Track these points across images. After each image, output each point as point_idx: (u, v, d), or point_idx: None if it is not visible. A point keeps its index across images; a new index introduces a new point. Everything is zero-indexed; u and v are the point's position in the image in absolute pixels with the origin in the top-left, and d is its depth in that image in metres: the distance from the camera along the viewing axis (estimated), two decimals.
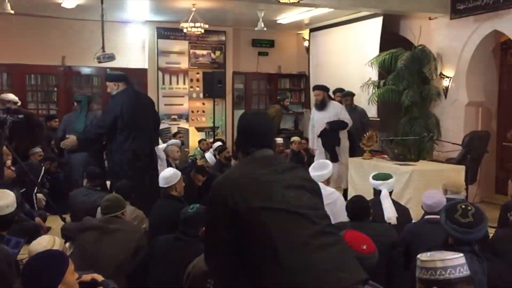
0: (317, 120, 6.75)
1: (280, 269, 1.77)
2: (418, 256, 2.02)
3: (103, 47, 7.56)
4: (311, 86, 10.01)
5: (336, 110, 6.65)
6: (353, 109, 7.20)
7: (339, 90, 7.63)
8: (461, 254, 1.98)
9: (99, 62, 7.59)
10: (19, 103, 6.69)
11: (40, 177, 5.87)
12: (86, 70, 9.12)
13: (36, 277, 1.97)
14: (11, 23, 8.12)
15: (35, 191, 5.79)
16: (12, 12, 6.82)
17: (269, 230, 1.81)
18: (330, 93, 7.11)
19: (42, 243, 2.55)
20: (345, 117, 6.63)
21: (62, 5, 7.44)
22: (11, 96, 6.60)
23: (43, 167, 6.08)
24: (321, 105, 6.69)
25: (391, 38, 7.96)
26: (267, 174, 1.94)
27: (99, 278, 2.31)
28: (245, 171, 1.98)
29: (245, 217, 1.83)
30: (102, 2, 7.13)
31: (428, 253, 2.02)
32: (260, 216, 1.83)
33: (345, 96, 7.38)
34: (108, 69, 8.86)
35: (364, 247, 2.38)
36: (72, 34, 8.78)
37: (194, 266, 2.55)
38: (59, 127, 6.32)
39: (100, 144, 5.35)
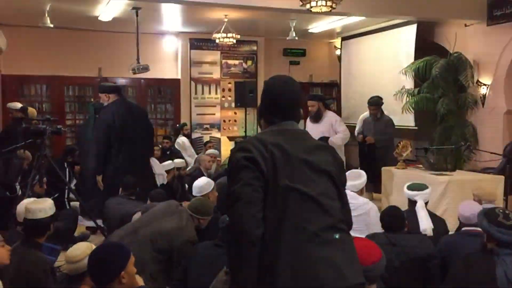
0: (310, 131, 6.41)
1: (280, 248, 1.75)
2: None
3: (138, 59, 7.77)
4: (343, 94, 10.02)
5: (331, 122, 6.30)
6: (376, 119, 6.95)
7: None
8: None
9: (134, 73, 7.80)
10: None
11: (67, 177, 5.90)
12: (121, 81, 9.33)
13: (103, 262, 2.18)
14: (51, 36, 8.38)
15: (66, 195, 5.82)
16: (52, 25, 7.06)
17: (287, 207, 1.79)
18: (364, 105, 6.86)
19: (80, 248, 2.59)
20: (340, 129, 6.28)
21: (99, 18, 7.64)
22: (19, 105, 6.74)
23: (67, 169, 6.08)
24: (316, 117, 6.32)
25: (426, 45, 7.83)
26: (297, 151, 1.88)
27: (140, 281, 2.36)
28: (275, 141, 1.87)
29: (270, 186, 1.81)
30: (137, 15, 7.33)
31: None
32: (284, 193, 1.81)
33: (371, 105, 6.98)
34: (142, 80, 9.08)
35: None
36: (108, 46, 9.02)
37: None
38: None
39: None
